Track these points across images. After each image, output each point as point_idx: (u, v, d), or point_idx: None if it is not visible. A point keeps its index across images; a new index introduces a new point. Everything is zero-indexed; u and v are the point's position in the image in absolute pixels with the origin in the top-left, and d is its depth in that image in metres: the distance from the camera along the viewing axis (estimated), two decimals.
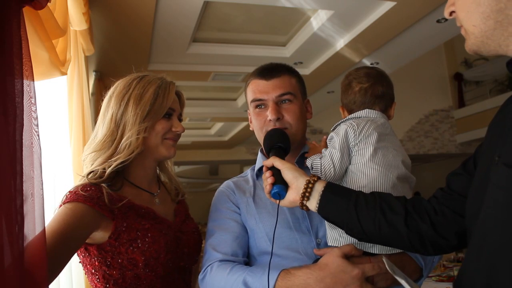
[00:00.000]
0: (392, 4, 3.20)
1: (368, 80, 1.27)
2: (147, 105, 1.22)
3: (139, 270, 1.14)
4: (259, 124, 1.32)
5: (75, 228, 1.05)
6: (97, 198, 1.12)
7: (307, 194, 1.03)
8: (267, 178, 1.09)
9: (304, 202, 1.04)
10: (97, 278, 1.16)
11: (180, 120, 1.34)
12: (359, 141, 1.17)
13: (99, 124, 1.26)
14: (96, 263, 1.15)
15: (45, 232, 0.81)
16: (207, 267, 1.21)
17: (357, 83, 1.27)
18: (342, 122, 1.25)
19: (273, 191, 1.07)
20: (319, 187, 1.03)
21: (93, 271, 1.17)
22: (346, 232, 1.02)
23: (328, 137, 1.24)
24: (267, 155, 1.23)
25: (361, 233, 0.99)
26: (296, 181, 1.06)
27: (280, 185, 1.07)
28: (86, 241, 1.13)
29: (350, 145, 1.18)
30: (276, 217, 1.13)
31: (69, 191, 1.13)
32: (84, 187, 1.13)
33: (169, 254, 1.19)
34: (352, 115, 1.26)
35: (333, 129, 1.25)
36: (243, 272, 1.13)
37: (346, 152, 1.17)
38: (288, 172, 1.08)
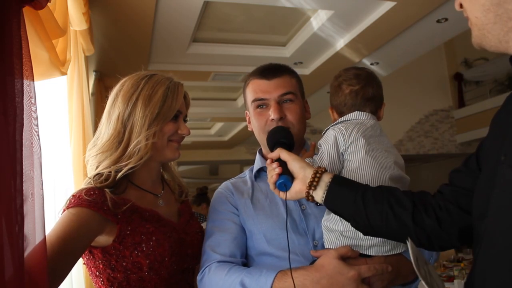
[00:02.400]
0: (392, 4, 3.20)
1: (358, 82, 1.25)
2: (156, 107, 1.19)
3: (143, 274, 1.14)
4: (261, 124, 1.31)
5: (79, 233, 1.04)
6: (101, 203, 1.10)
7: (314, 183, 1.02)
8: (274, 169, 1.08)
9: (311, 192, 1.03)
10: (102, 281, 1.16)
11: (185, 121, 1.33)
12: (349, 145, 1.16)
13: (103, 123, 1.23)
14: (101, 266, 1.15)
15: (45, 234, 0.81)
16: (205, 268, 1.21)
17: (348, 85, 1.26)
18: (331, 127, 1.24)
19: (278, 182, 1.06)
20: (326, 178, 1.03)
21: (97, 273, 1.16)
22: (352, 225, 1.01)
23: (318, 144, 1.24)
24: (271, 151, 1.21)
25: (368, 227, 0.98)
26: (303, 171, 1.05)
27: (286, 175, 1.07)
28: (91, 244, 1.12)
29: (341, 150, 1.17)
30: (286, 210, 1.11)
31: (73, 195, 1.12)
32: (87, 191, 1.11)
33: (173, 257, 1.19)
34: (342, 119, 1.26)
35: (323, 134, 1.25)
36: (241, 273, 1.13)
37: (336, 157, 1.17)
38: (295, 163, 1.07)
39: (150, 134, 1.18)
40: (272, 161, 1.12)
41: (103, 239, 1.13)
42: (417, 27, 3.66)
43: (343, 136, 1.17)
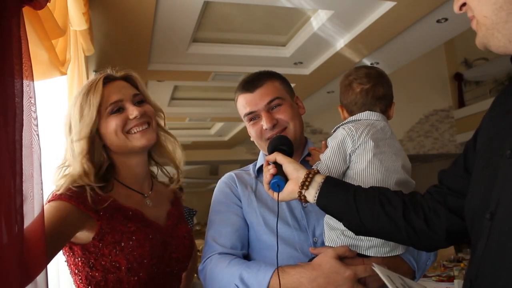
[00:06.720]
0: (392, 4, 3.20)
1: (369, 81, 1.24)
2: (77, 125, 1.17)
3: (121, 274, 1.11)
4: (257, 134, 1.34)
5: (58, 226, 1.02)
6: (83, 198, 1.09)
7: (306, 183, 1.04)
8: (269, 170, 1.10)
9: (303, 191, 1.05)
10: (80, 279, 1.14)
11: (141, 101, 1.24)
12: (358, 147, 1.16)
13: None
14: (80, 264, 1.13)
15: (44, 231, 0.81)
16: (206, 258, 1.23)
17: (358, 84, 1.25)
18: (341, 125, 1.23)
19: (272, 181, 1.08)
20: (318, 179, 1.04)
21: (76, 271, 1.15)
22: (344, 225, 1.03)
23: (327, 141, 1.25)
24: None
25: (359, 226, 0.99)
26: (296, 173, 1.07)
27: (280, 176, 1.09)
28: (72, 240, 1.11)
29: (349, 150, 1.16)
30: (277, 209, 1.15)
31: (55, 191, 1.11)
32: (68, 188, 1.10)
33: (154, 259, 1.16)
34: (352, 118, 1.25)
35: (333, 132, 1.25)
36: (240, 267, 1.16)
37: (342, 158, 1.17)
38: (290, 165, 1.09)
39: (82, 154, 1.15)
40: (268, 164, 1.14)
41: (84, 236, 1.11)
42: (417, 27, 3.66)
43: (352, 137, 1.16)
